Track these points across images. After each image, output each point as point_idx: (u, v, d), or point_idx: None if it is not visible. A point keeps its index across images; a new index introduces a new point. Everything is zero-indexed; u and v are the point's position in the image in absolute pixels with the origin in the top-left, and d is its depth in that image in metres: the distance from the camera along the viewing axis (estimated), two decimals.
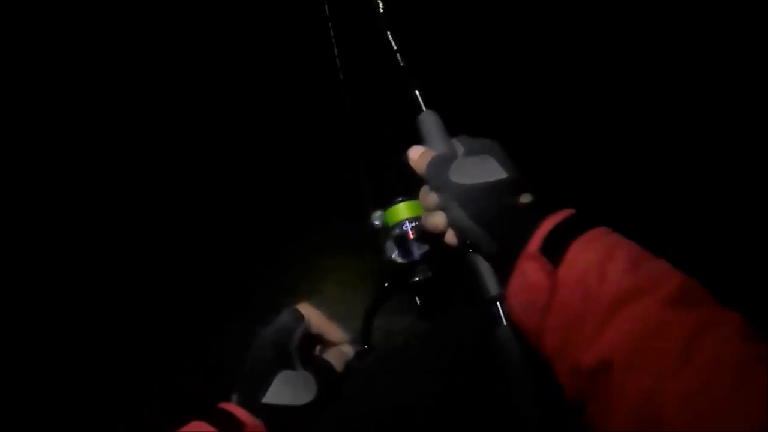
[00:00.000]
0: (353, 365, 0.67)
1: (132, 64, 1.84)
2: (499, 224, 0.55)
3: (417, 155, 0.61)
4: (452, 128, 0.65)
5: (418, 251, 0.67)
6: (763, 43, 1.64)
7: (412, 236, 0.67)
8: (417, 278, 0.68)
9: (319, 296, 1.68)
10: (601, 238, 0.50)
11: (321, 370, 0.62)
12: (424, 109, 0.65)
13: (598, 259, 0.48)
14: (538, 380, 0.54)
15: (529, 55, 1.79)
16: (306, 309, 0.64)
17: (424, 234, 0.65)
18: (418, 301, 0.69)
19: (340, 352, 0.66)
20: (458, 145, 0.62)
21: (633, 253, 0.49)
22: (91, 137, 1.80)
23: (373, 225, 0.69)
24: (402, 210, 0.68)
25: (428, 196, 0.60)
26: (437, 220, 0.59)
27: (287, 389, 0.58)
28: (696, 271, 0.47)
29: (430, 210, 0.60)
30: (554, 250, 0.50)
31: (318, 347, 0.68)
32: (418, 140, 0.64)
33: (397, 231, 0.67)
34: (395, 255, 0.68)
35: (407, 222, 0.67)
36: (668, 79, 1.75)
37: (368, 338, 0.68)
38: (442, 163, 0.59)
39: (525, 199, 0.56)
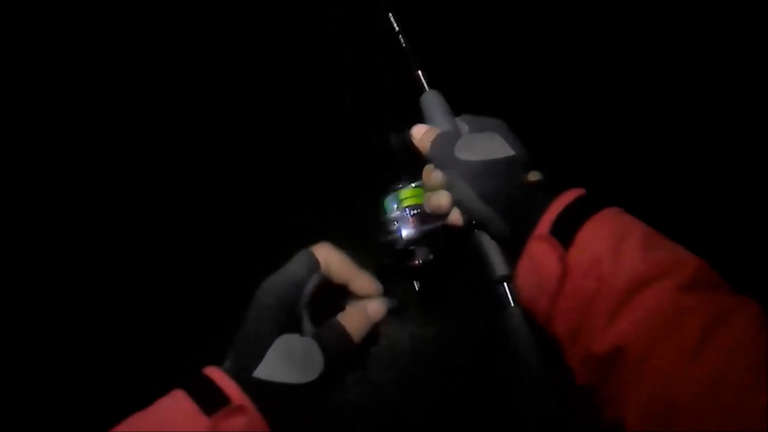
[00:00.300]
0: (381, 329, 0.53)
1: (132, 62, 1.82)
2: (507, 202, 0.54)
3: (420, 133, 0.60)
4: (456, 109, 0.64)
5: (416, 230, 0.65)
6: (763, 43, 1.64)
7: (412, 221, 0.66)
8: (417, 261, 0.66)
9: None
10: (613, 219, 0.49)
11: (331, 338, 0.48)
12: (426, 89, 0.65)
13: (611, 242, 0.47)
14: (549, 363, 0.52)
15: (533, 38, 1.78)
16: (326, 252, 0.51)
17: (426, 216, 0.65)
18: (417, 286, 0.68)
19: (365, 310, 0.51)
20: (462, 124, 0.61)
21: (646, 235, 0.48)
22: (93, 137, 1.79)
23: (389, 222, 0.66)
24: (404, 196, 0.67)
25: (432, 175, 0.58)
26: (441, 199, 0.58)
27: (285, 361, 0.45)
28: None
29: (434, 189, 0.59)
30: (565, 231, 0.49)
31: (340, 301, 0.54)
32: (421, 120, 0.64)
33: (397, 214, 0.66)
34: (393, 237, 0.66)
35: (407, 209, 0.66)
36: (675, 69, 1.74)
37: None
38: (447, 141, 0.57)
39: (534, 177, 0.55)
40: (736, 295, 0.44)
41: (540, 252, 0.50)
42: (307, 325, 0.49)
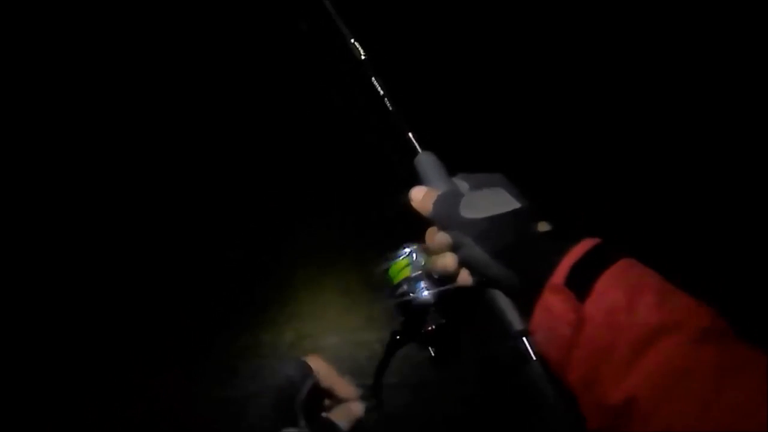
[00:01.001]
0: (362, 424, 0.61)
1: (132, 63, 1.83)
2: (518, 256, 0.53)
3: (420, 196, 0.59)
4: (450, 166, 0.63)
5: (425, 297, 0.64)
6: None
7: (419, 288, 0.64)
8: (430, 327, 0.64)
9: (319, 291, 1.66)
10: (628, 270, 0.50)
11: (324, 429, 0.58)
12: (419, 150, 0.64)
13: (626, 294, 0.47)
14: (575, 416, 0.52)
15: (515, 91, 1.81)
16: (315, 362, 0.60)
17: (433, 279, 0.63)
18: (432, 352, 0.66)
19: (349, 409, 0.61)
20: (460, 183, 0.60)
21: (660, 287, 0.49)
22: (96, 137, 1.79)
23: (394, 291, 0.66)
24: (406, 264, 0.66)
25: (436, 237, 0.57)
26: (448, 261, 0.57)
27: None
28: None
29: (439, 251, 0.58)
30: (580, 283, 0.49)
31: (326, 402, 0.63)
32: (418, 182, 0.62)
33: (404, 287, 0.64)
34: (402, 305, 0.64)
35: (412, 274, 0.65)
36: (667, 82, 1.77)
37: (379, 393, 0.64)
38: (449, 201, 0.56)
39: (543, 227, 0.55)
40: (748, 346, 0.44)
41: (555, 303, 0.50)
42: (301, 421, 0.56)
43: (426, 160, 0.62)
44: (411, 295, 0.64)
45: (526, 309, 0.53)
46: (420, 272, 0.64)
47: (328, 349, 1.59)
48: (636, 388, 0.44)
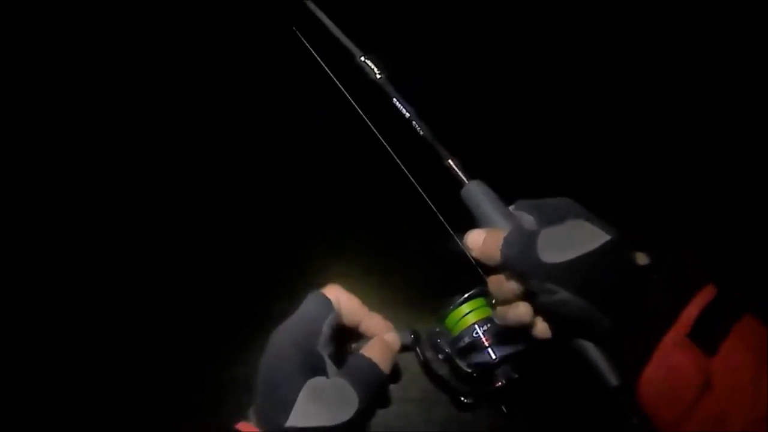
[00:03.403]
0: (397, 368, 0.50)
1: (138, 65, 1.74)
2: (614, 298, 0.44)
3: (480, 240, 0.49)
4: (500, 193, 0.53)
5: (495, 355, 0.54)
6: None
7: (486, 342, 0.54)
8: (499, 383, 0.55)
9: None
10: (754, 332, 0.44)
11: (361, 372, 0.46)
12: (465, 181, 0.54)
13: (754, 362, 0.42)
14: None
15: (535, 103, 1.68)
16: (336, 292, 0.49)
17: (500, 330, 0.54)
18: (505, 410, 0.56)
19: (383, 343, 0.49)
20: (523, 216, 0.50)
21: None
22: (110, 137, 1.69)
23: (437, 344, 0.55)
24: (468, 310, 0.56)
25: (505, 286, 0.48)
26: (521, 312, 0.48)
27: (318, 405, 0.42)
28: None
29: (508, 301, 0.48)
30: (707, 338, 0.42)
31: (352, 345, 0.51)
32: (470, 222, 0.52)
33: (467, 339, 0.54)
34: (467, 366, 0.54)
35: (476, 325, 0.55)
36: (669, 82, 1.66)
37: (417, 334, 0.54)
38: (522, 243, 0.46)
39: (642, 260, 0.46)
40: None
41: (682, 359, 0.43)
42: (330, 366, 0.46)
43: (477, 192, 0.52)
44: (473, 354, 0.54)
45: (633, 362, 0.44)
46: (486, 324, 0.54)
47: None
48: None
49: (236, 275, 1.55)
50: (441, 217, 0.61)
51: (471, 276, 0.55)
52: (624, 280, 0.44)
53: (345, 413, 0.42)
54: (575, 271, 0.44)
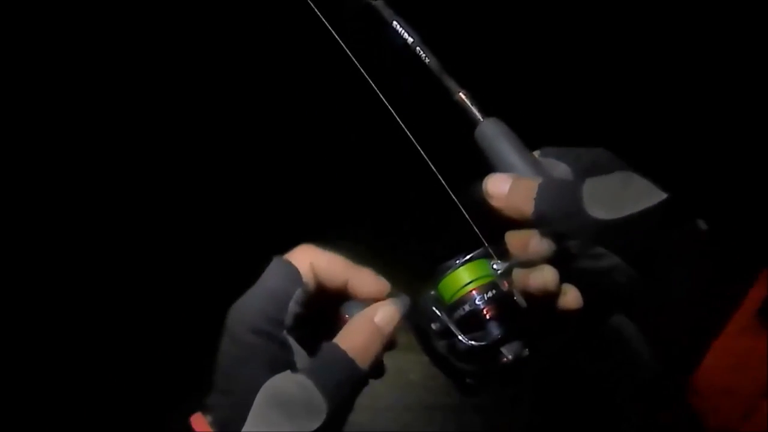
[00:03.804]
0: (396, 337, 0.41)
1: (141, 64, 1.65)
2: (669, 268, 0.37)
3: (505, 187, 0.40)
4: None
5: (500, 327, 0.45)
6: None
7: (488, 314, 0.45)
8: (505, 357, 0.46)
9: None
10: None
11: (331, 372, 0.37)
12: (481, 118, 0.44)
13: None
14: None
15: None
16: (309, 254, 0.40)
17: (508, 300, 0.44)
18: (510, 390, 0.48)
19: (371, 322, 0.39)
20: (552, 163, 0.41)
21: None
22: (113, 138, 1.62)
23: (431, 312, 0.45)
24: (465, 275, 0.45)
25: (534, 244, 0.39)
26: (548, 278, 0.39)
27: (278, 412, 0.35)
28: None
29: (533, 264, 0.40)
30: None
31: (344, 314, 0.41)
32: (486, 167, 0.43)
33: (467, 308, 0.45)
34: (466, 341, 0.45)
35: (475, 292, 0.45)
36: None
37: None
38: (564, 195, 0.38)
39: (702, 226, 0.38)
40: None
41: (749, 346, 0.37)
42: (298, 355, 0.38)
43: (495, 132, 0.43)
44: (477, 324, 0.45)
45: (689, 345, 0.38)
46: (491, 289, 0.45)
47: None
48: None
49: (236, 275, 1.51)
50: (434, 167, 0.51)
51: (470, 237, 0.46)
52: (684, 249, 0.37)
53: (309, 423, 0.35)
54: (630, 233, 0.36)
